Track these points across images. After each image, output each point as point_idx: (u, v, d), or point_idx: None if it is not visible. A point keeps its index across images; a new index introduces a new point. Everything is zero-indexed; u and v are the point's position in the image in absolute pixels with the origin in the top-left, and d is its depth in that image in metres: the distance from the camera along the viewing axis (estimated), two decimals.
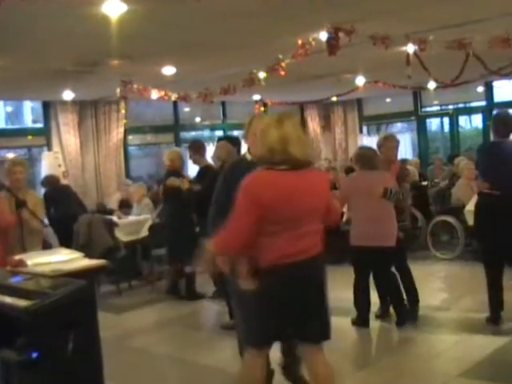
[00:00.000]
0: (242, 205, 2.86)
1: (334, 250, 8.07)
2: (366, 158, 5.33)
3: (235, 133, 14.70)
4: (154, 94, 8.81)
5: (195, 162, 6.68)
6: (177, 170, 6.84)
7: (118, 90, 8.36)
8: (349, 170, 8.77)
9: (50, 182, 8.63)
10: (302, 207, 2.94)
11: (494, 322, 5.05)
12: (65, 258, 4.22)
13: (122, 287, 7.62)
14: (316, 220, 3.04)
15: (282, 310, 2.97)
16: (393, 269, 5.45)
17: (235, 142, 5.95)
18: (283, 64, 7.17)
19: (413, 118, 14.13)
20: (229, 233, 2.92)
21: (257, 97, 12.00)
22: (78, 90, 9.15)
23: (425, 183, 9.86)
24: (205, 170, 6.26)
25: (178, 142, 12.61)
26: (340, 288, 6.05)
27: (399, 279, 5.47)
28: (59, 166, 10.28)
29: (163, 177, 7.15)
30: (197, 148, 6.70)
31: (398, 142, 5.71)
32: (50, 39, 5.93)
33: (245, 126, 3.71)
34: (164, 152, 7.35)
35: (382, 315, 5.54)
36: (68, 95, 9.43)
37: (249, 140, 3.63)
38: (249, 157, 3.65)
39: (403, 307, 5.35)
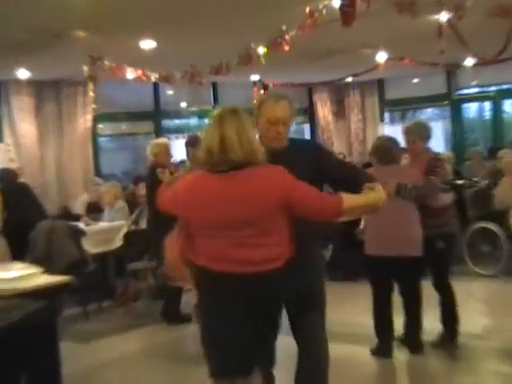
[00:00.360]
0: None
1: (349, 263, 8.24)
2: (382, 150, 5.36)
3: None
4: (130, 74, 8.80)
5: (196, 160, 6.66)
6: (163, 167, 6.81)
7: (86, 69, 8.33)
8: (367, 166, 8.74)
9: (6, 176, 8.53)
10: (226, 214, 3.05)
11: None
12: (18, 274, 4.19)
13: (90, 309, 7.59)
14: (262, 230, 3.08)
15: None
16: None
17: None
18: (287, 37, 7.15)
19: (446, 102, 14.10)
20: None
21: (255, 77, 11.98)
22: (36, 67, 9.13)
23: (460, 182, 9.83)
24: None
25: (159, 131, 12.57)
26: (356, 310, 6.03)
27: (440, 299, 5.47)
28: (11, 160, 10.17)
29: (147, 174, 7.14)
30: (197, 144, 6.69)
31: (425, 129, 5.70)
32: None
33: (253, 109, 3.77)
34: (148, 144, 7.32)
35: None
36: (23, 74, 9.39)
37: (259, 127, 3.70)
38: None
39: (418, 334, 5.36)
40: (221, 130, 3.11)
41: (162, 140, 7.49)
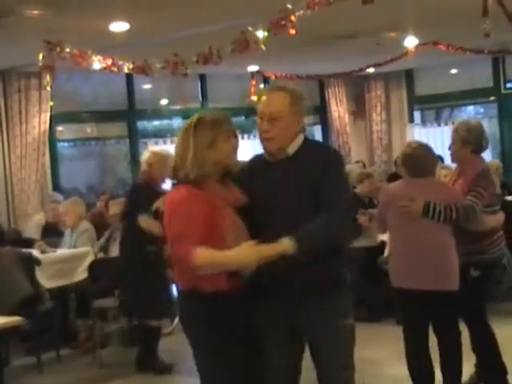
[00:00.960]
0: None
1: (373, 300, 8.20)
2: (413, 159, 5.34)
3: None
4: (97, 63, 8.77)
5: None
6: (155, 183, 6.85)
7: (41, 56, 8.32)
8: (393, 178, 8.71)
9: None
10: None
11: None
12: None
13: (45, 359, 7.52)
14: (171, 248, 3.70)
15: None
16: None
17: None
18: (293, 17, 7.15)
19: (492, 98, 14.13)
20: None
21: (253, 68, 11.98)
22: None
23: (510, 198, 9.82)
24: None
25: (133, 135, 12.57)
26: (383, 358, 5.99)
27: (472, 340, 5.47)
28: None
29: (131, 187, 7.18)
30: None
31: (472, 131, 5.65)
32: None
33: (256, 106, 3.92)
34: (145, 151, 7.46)
35: None
36: None
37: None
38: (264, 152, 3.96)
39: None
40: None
41: (161, 150, 7.51)
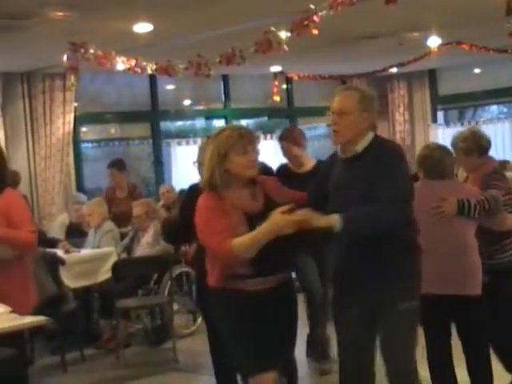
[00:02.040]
0: None
1: None
2: (430, 161, 5.27)
3: (243, 123, 14.74)
4: (121, 64, 8.80)
5: (296, 158, 6.59)
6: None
7: (65, 58, 8.35)
8: (414, 179, 8.69)
9: None
10: None
11: None
12: None
13: (69, 359, 7.54)
14: None
15: None
16: None
17: None
18: (317, 18, 7.14)
19: None
20: None
21: (276, 68, 11.97)
22: (1, 56, 9.16)
23: None
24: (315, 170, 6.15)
25: (156, 136, 12.60)
26: None
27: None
28: None
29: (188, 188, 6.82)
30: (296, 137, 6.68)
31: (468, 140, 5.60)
32: None
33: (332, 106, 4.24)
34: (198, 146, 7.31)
35: None
36: None
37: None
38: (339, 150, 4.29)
39: None
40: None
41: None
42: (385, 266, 4.13)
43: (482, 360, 5.23)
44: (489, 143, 5.59)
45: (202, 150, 5.89)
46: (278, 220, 3.82)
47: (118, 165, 10.01)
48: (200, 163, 5.78)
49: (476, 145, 5.50)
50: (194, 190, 5.53)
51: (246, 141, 4.06)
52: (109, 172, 10.06)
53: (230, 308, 4.14)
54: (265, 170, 5.91)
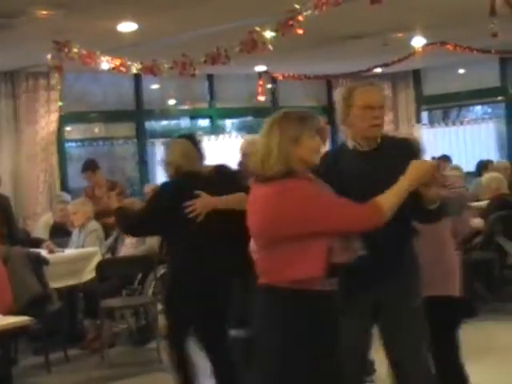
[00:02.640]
0: None
1: None
2: None
3: (228, 122, 14.74)
4: (105, 64, 8.79)
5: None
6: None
7: (49, 57, 8.33)
8: None
9: None
10: None
11: None
12: None
13: (53, 359, 7.50)
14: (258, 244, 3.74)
15: None
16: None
17: (195, 141, 6.01)
18: (301, 18, 7.15)
19: (500, 98, 14.09)
20: None
21: (261, 68, 11.97)
22: None
23: None
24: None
25: (140, 135, 12.58)
26: None
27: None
28: None
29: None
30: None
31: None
32: None
33: (341, 101, 4.22)
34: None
35: None
36: None
37: (350, 120, 4.17)
38: (351, 144, 4.23)
39: None
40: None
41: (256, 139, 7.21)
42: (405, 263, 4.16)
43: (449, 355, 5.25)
44: None
45: (169, 148, 5.94)
46: (419, 165, 3.69)
47: (90, 167, 10.03)
48: (168, 162, 5.81)
49: None
50: (169, 186, 5.63)
51: (316, 123, 3.78)
52: (84, 176, 10.08)
53: (307, 314, 3.55)
54: None
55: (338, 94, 4.22)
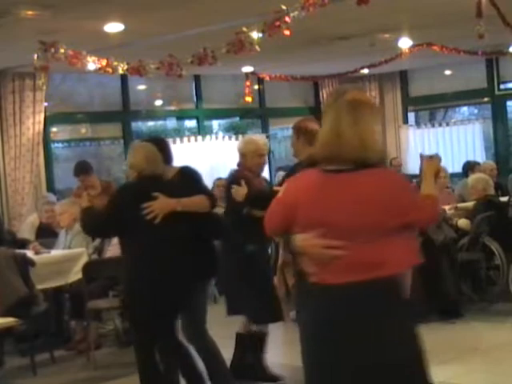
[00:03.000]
0: None
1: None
2: None
3: (215, 123, 14.73)
4: (92, 64, 8.76)
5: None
6: (248, 172, 6.44)
7: (36, 57, 8.30)
8: None
9: None
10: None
11: None
12: None
13: (39, 360, 7.46)
14: None
15: None
16: None
17: (161, 144, 6.03)
18: (288, 19, 7.15)
19: (486, 99, 14.14)
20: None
21: (248, 69, 11.97)
22: None
23: (504, 199, 9.81)
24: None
25: (127, 136, 12.55)
26: None
27: None
28: None
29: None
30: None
31: None
32: None
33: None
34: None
35: None
36: None
37: None
38: None
39: None
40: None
41: (256, 137, 7.10)
42: None
43: None
44: None
45: (132, 152, 5.94)
46: (431, 162, 3.68)
47: (84, 170, 9.96)
48: (131, 165, 5.80)
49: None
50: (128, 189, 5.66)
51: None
52: (79, 179, 10.00)
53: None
54: None
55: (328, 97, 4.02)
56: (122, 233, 5.57)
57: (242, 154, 6.56)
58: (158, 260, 5.34)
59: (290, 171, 6.02)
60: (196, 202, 5.54)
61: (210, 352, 5.69)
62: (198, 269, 5.51)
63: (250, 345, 6.48)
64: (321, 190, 3.34)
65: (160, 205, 5.30)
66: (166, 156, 5.92)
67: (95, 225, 5.79)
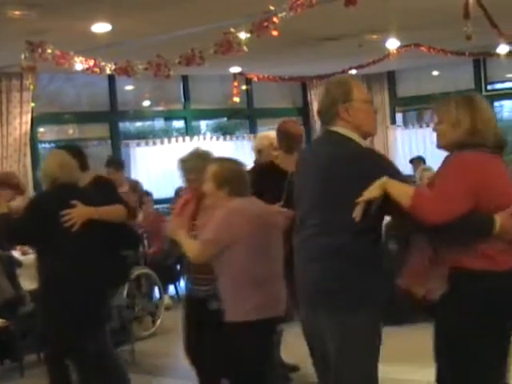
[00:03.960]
0: None
1: None
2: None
3: (203, 124, 14.73)
4: (79, 65, 8.74)
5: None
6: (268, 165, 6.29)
7: (23, 57, 8.28)
8: None
9: None
10: None
11: None
12: None
13: (26, 362, 7.45)
14: None
15: None
16: None
17: (76, 152, 6.06)
18: (276, 19, 7.14)
19: None
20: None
21: (236, 69, 11.97)
22: None
23: None
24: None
25: (114, 136, 12.54)
26: None
27: None
28: None
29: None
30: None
31: None
32: None
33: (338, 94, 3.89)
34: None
35: None
36: None
37: (353, 112, 3.85)
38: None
39: None
40: None
41: (268, 132, 7.21)
42: None
43: None
44: None
45: (46, 160, 5.91)
46: None
47: (115, 164, 9.91)
48: (45, 173, 5.62)
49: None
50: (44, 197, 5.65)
51: None
52: (106, 171, 9.91)
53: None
54: None
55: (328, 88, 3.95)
56: (38, 240, 5.49)
57: (259, 151, 6.55)
58: (76, 268, 5.30)
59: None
60: (113, 211, 5.59)
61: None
62: (111, 277, 5.57)
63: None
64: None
65: (78, 212, 5.29)
66: (81, 163, 5.93)
67: (9, 232, 5.72)
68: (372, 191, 3.49)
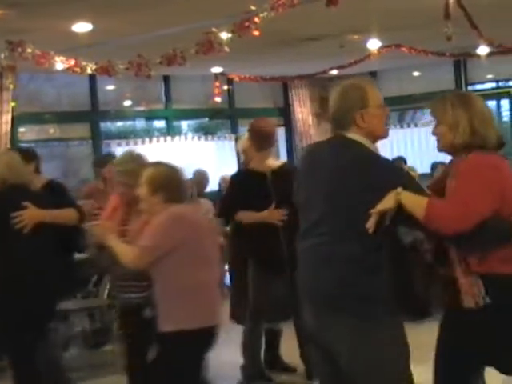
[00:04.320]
0: None
1: None
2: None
3: (184, 124, 14.71)
4: (60, 64, 8.71)
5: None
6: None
7: (2, 56, 8.24)
8: None
9: None
10: None
11: None
12: None
13: (5, 363, 7.38)
14: None
15: None
16: None
17: (29, 155, 6.13)
18: (257, 19, 7.15)
19: None
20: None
21: (217, 69, 11.96)
22: None
23: None
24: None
25: (96, 136, 12.50)
26: None
27: None
28: None
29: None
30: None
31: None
32: None
33: (354, 99, 3.80)
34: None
35: None
36: None
37: (369, 119, 3.78)
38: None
39: None
40: None
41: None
42: None
43: None
44: None
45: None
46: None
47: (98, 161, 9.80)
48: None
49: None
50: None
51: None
52: (104, 171, 9.59)
53: None
54: None
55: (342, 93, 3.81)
56: None
57: (244, 151, 6.55)
58: (26, 269, 5.28)
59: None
60: (65, 215, 5.60)
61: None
62: (61, 280, 5.56)
63: (266, 342, 6.60)
64: None
65: (30, 215, 5.25)
66: (35, 166, 6.02)
67: None
68: (386, 203, 3.46)
